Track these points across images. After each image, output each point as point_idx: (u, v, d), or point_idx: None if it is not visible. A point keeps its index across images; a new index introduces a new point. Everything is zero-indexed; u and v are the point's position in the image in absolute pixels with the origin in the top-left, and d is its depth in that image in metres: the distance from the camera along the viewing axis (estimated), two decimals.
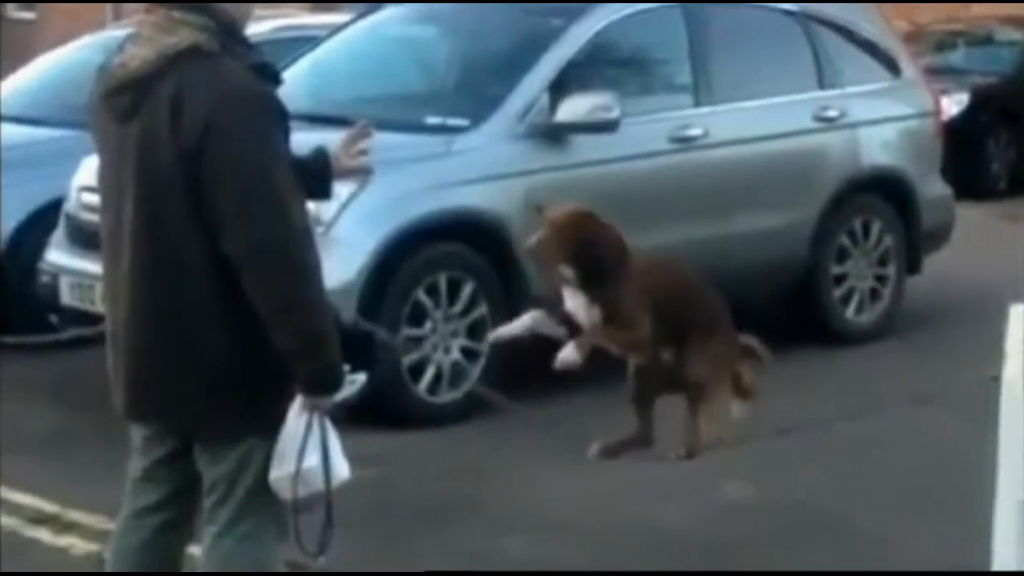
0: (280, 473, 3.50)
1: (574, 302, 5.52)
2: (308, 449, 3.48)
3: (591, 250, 5.48)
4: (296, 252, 3.39)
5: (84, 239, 7.08)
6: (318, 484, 3.52)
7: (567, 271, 5.49)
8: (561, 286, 5.59)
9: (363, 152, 3.97)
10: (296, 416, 3.49)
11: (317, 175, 3.84)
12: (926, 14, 17.81)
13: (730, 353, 5.92)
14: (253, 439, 3.52)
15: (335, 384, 3.48)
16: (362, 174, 4.13)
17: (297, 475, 3.48)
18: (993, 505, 3.68)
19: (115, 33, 9.28)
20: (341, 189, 5.05)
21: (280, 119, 3.45)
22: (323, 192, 3.92)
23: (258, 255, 3.36)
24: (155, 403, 3.58)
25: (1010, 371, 3.65)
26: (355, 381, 3.63)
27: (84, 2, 27.87)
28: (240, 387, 3.48)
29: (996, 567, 3.60)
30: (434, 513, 5.75)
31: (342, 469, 3.58)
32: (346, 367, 3.52)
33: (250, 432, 3.52)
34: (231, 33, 3.50)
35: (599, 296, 5.50)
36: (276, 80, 3.57)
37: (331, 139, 4.01)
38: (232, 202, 3.35)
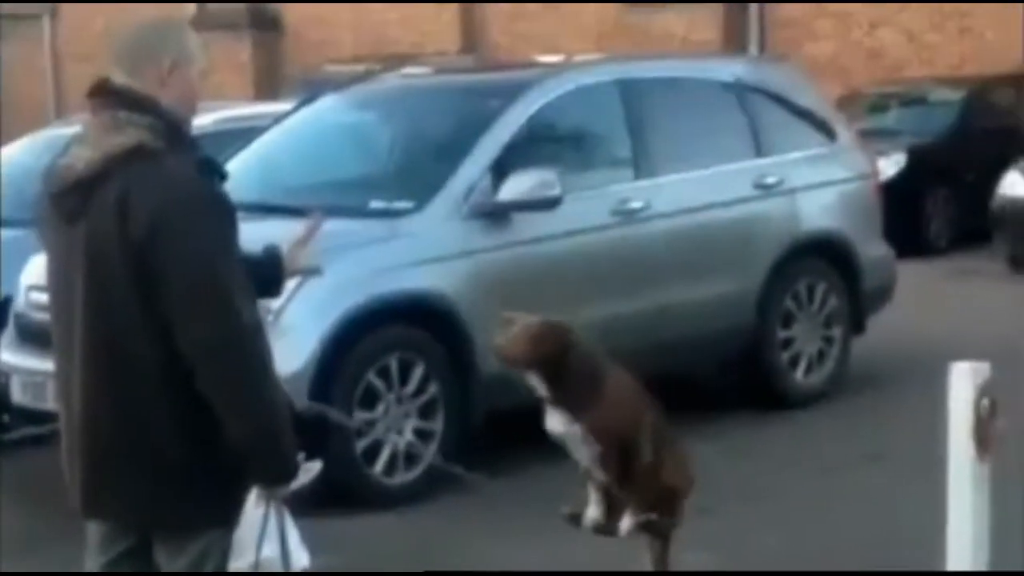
0: (240, 564, 3.52)
1: (552, 419, 4.94)
2: (266, 539, 3.50)
3: (560, 357, 4.87)
4: (246, 349, 3.40)
5: (34, 337, 7.07)
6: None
7: (534, 378, 4.90)
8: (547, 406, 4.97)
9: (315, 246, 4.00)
10: (254, 506, 3.52)
11: (268, 274, 3.87)
12: (860, 77, 18.08)
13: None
14: (213, 531, 3.53)
15: (290, 475, 3.50)
16: (312, 273, 4.17)
17: (256, 566, 3.50)
18: (945, 562, 3.74)
19: (59, 132, 9.31)
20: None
21: (227, 215, 3.48)
22: (274, 291, 3.95)
23: (209, 352, 3.38)
24: (112, 499, 3.58)
25: (955, 428, 3.72)
26: (310, 469, 3.65)
27: None
28: (197, 480, 3.48)
29: None
30: None
31: (300, 557, 3.60)
32: (301, 455, 3.56)
33: (209, 524, 3.53)
34: (176, 131, 3.54)
35: (578, 414, 4.88)
36: (221, 175, 3.60)
37: (279, 228, 4.05)
38: (181, 300, 3.38)
